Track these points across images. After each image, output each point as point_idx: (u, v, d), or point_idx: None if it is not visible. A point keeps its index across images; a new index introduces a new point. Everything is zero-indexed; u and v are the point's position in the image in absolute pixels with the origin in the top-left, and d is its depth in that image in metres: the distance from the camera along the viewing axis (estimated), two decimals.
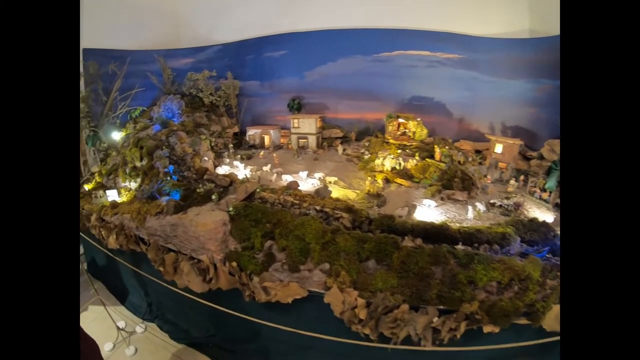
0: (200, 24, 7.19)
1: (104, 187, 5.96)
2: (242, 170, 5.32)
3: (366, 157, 6.00)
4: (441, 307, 3.22)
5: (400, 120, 6.31)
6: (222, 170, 5.31)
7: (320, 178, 5.14)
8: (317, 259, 3.65)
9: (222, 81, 6.91)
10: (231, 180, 4.63)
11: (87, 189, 6.13)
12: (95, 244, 5.33)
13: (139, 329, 5.27)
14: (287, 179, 5.04)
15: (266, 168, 5.31)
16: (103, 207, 5.19)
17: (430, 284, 3.28)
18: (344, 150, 6.18)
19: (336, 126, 6.66)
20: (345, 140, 6.61)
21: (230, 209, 4.03)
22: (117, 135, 6.57)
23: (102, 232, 5.03)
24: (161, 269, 4.20)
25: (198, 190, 4.30)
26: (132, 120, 6.60)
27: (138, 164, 5.63)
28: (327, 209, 4.30)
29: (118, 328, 5.11)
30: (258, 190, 4.51)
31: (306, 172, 5.17)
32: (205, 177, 4.74)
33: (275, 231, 3.89)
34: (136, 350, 4.94)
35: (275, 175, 5.04)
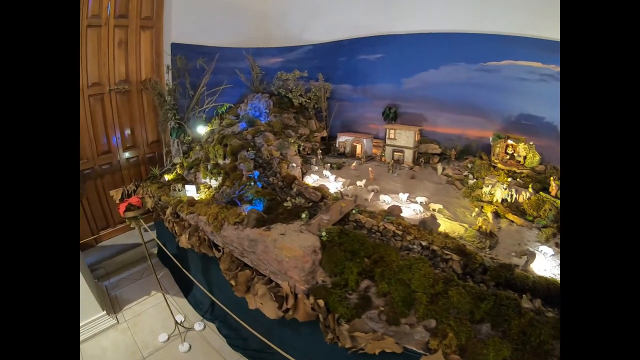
0: (290, 23, 6.37)
1: (184, 180, 5.30)
2: (332, 182, 4.31)
3: (470, 181, 4.70)
4: None
5: (510, 141, 4.94)
6: (311, 179, 4.34)
7: (422, 203, 3.96)
8: (423, 312, 2.55)
9: (312, 82, 6.01)
10: (322, 194, 3.63)
11: (167, 179, 5.53)
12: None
13: (197, 327, 4.51)
14: (385, 199, 3.93)
15: (360, 183, 4.25)
16: (179, 202, 4.48)
17: None
18: (443, 169, 4.93)
19: (434, 141, 5.42)
20: (443, 157, 5.35)
21: (323, 233, 3.00)
22: (201, 130, 5.92)
23: (176, 228, 4.32)
24: (232, 282, 3.31)
25: (285, 205, 3.34)
26: (218, 116, 5.92)
27: (220, 161, 4.86)
28: (434, 247, 3.12)
29: (176, 322, 4.39)
30: (354, 211, 3.45)
31: (406, 195, 4.03)
32: (293, 186, 3.80)
33: (376, 270, 2.78)
34: (190, 347, 4.22)
35: (372, 194, 3.97)
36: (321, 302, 2.71)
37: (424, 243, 3.15)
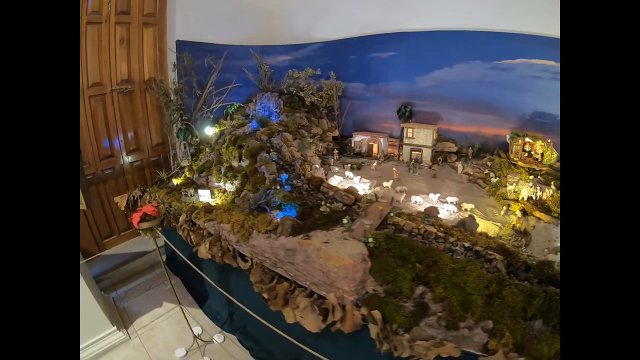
0: (297, 20, 6.05)
1: (195, 184, 4.93)
2: (357, 184, 4.05)
3: (493, 180, 4.52)
4: None
5: (527, 139, 4.80)
6: (335, 181, 4.06)
7: (453, 203, 3.75)
8: (480, 314, 2.42)
9: (322, 81, 5.71)
10: (355, 197, 3.35)
11: (175, 184, 5.14)
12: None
13: (217, 339, 4.18)
14: (416, 200, 3.69)
15: (387, 184, 3.99)
16: (194, 209, 4.12)
17: None
18: (462, 168, 4.74)
19: (450, 139, 5.22)
20: (460, 156, 5.16)
21: (370, 240, 2.75)
22: (209, 131, 5.55)
23: (192, 237, 3.96)
24: (265, 295, 3.00)
25: (322, 210, 3.05)
26: (228, 116, 5.57)
27: (235, 164, 4.52)
28: (478, 248, 2.94)
29: (194, 335, 4.04)
30: (392, 214, 3.20)
31: (437, 195, 3.80)
32: (321, 189, 3.51)
33: (430, 275, 2.57)
34: None
35: (403, 195, 3.72)
36: (377, 313, 2.46)
37: (466, 244, 2.96)
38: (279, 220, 3.01)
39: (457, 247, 2.96)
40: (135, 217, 3.39)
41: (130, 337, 4.30)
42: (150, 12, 5.31)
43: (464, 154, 5.21)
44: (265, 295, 2.97)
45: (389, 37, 5.39)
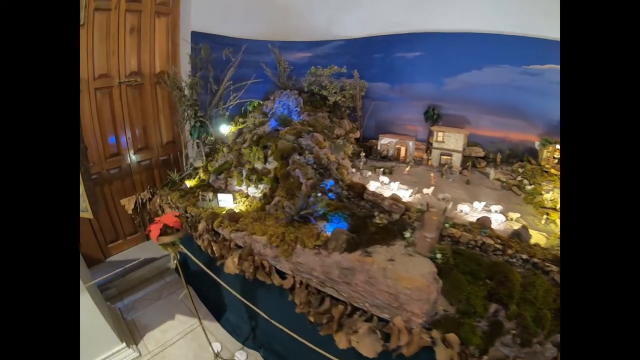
0: (316, 16, 5.62)
1: (212, 187, 4.44)
2: (395, 190, 3.65)
3: (528, 187, 4.23)
4: None
5: (558, 146, 4.55)
6: (371, 187, 3.65)
7: (500, 212, 3.41)
8: (549, 328, 2.23)
9: (344, 80, 5.29)
10: (406, 207, 2.96)
11: (188, 186, 4.63)
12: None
13: (239, 357, 3.73)
14: (463, 209, 3.34)
15: (428, 191, 3.62)
16: (215, 215, 3.65)
17: None
18: (494, 174, 4.42)
19: (477, 144, 4.91)
20: (487, 161, 4.85)
21: (438, 255, 2.38)
22: (225, 129, 5.05)
23: (214, 248, 3.49)
24: (312, 318, 2.58)
25: (378, 222, 2.64)
26: (247, 113, 5.08)
27: (259, 166, 4.06)
28: (536, 260, 2.64)
29: (215, 353, 3.59)
30: (447, 225, 2.83)
31: (482, 204, 3.46)
32: (365, 196, 3.10)
33: (502, 292, 2.27)
34: None
35: (450, 203, 3.36)
36: (453, 336, 2.10)
37: (524, 256, 2.67)
38: (329, 233, 2.59)
39: (514, 260, 2.68)
40: (154, 230, 2.83)
41: (141, 355, 3.80)
42: (164, 0, 4.77)
43: (491, 159, 4.91)
44: (312, 319, 2.55)
45: (416, 36, 5.03)
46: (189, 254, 3.33)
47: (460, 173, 4.51)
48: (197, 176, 4.81)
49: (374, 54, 5.33)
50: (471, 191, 4.05)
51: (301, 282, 2.60)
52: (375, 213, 2.75)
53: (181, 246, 2.91)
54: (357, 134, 5.33)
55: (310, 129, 4.00)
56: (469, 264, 2.42)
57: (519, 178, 4.40)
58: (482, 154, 4.92)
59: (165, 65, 5.02)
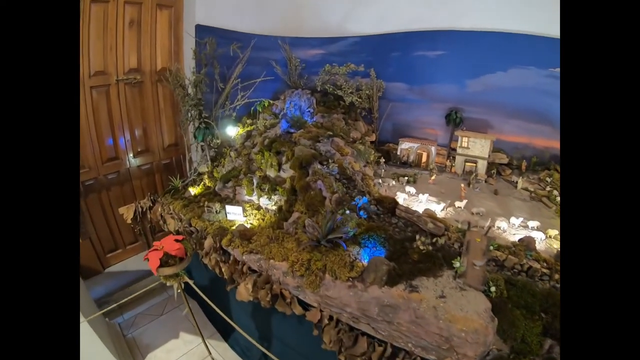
0: (330, 10, 5.17)
1: (218, 196, 4.02)
2: (424, 203, 3.27)
3: (558, 199, 3.89)
4: None
5: None
6: (400, 200, 3.27)
7: (536, 228, 3.06)
8: None
9: (359, 79, 4.88)
10: (445, 226, 2.59)
11: (192, 193, 4.22)
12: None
13: None
14: (501, 226, 2.98)
15: (460, 204, 3.26)
16: (223, 231, 3.24)
17: None
18: (522, 183, 4.07)
19: (500, 150, 4.55)
20: (511, 168, 4.50)
21: (493, 288, 2.02)
22: (232, 131, 4.63)
23: (223, 270, 3.08)
24: (343, 358, 2.21)
25: (422, 248, 2.26)
26: (257, 114, 4.65)
27: (272, 174, 3.65)
28: None
29: None
30: (491, 247, 2.47)
31: (519, 219, 3.10)
32: (398, 214, 2.72)
33: (557, 326, 1.96)
34: None
35: (489, 220, 2.99)
36: None
37: None
38: (364, 262, 2.20)
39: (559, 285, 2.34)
40: (153, 260, 2.35)
41: None
42: None
43: (515, 166, 4.56)
44: (342, 358, 2.18)
45: (438, 34, 4.61)
46: (195, 287, 2.91)
47: (486, 181, 4.15)
48: (202, 183, 4.39)
49: (392, 52, 4.90)
50: (501, 203, 3.69)
51: (331, 317, 2.22)
52: (417, 236, 2.36)
53: (186, 277, 2.49)
54: (373, 137, 4.93)
55: (330, 132, 3.58)
56: (523, 295, 2.10)
57: (548, 188, 4.06)
58: (505, 160, 4.55)
59: (167, 62, 4.56)
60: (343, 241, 2.36)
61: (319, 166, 3.10)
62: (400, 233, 2.60)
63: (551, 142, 4.48)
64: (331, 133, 3.56)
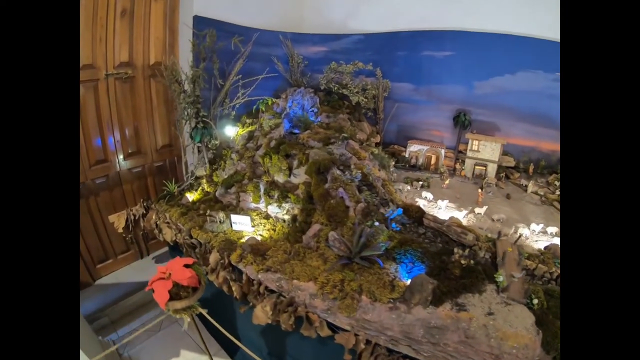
0: (332, 6, 5.01)
1: (219, 202, 3.79)
2: (444, 210, 3.19)
3: None
4: None
5: None
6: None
7: (555, 234, 3.05)
8: None
9: (363, 78, 4.76)
10: (476, 235, 2.51)
11: (190, 199, 3.96)
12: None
13: None
14: (524, 234, 2.94)
15: (480, 210, 3.20)
16: (231, 244, 3.02)
17: None
18: (532, 187, 4.09)
19: (507, 153, 4.56)
20: (518, 171, 4.52)
21: (535, 301, 1.95)
22: (231, 131, 4.39)
23: (233, 289, 2.83)
24: None
25: (464, 262, 2.16)
26: (260, 112, 4.41)
27: (281, 179, 3.46)
28: None
29: None
30: (523, 256, 2.42)
31: (540, 225, 3.08)
32: (425, 223, 2.61)
33: None
34: None
35: (513, 228, 2.94)
36: None
37: None
38: (405, 281, 2.08)
39: None
40: (161, 292, 2.05)
41: None
42: None
43: (521, 169, 4.58)
44: None
45: (446, 34, 4.54)
46: (211, 319, 2.68)
47: (496, 185, 4.14)
48: (200, 187, 4.13)
49: (398, 51, 4.79)
50: (516, 208, 3.67)
51: (368, 341, 2.08)
52: (455, 249, 2.26)
53: (199, 308, 2.26)
54: (377, 139, 4.82)
55: (345, 135, 3.43)
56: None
57: (558, 192, 4.10)
58: (512, 163, 4.57)
59: (161, 56, 4.25)
60: (379, 258, 2.22)
61: (338, 172, 2.94)
62: (431, 245, 2.49)
63: (557, 145, 4.50)
64: (346, 135, 3.40)
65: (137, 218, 4.04)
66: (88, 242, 4.04)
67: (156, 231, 3.93)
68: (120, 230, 3.99)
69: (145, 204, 4.11)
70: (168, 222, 3.78)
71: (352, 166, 2.93)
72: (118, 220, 3.98)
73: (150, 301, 4.27)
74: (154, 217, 3.98)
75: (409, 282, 2.04)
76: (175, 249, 4.12)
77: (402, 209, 2.55)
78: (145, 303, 4.21)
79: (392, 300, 2.02)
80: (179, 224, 3.61)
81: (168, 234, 3.77)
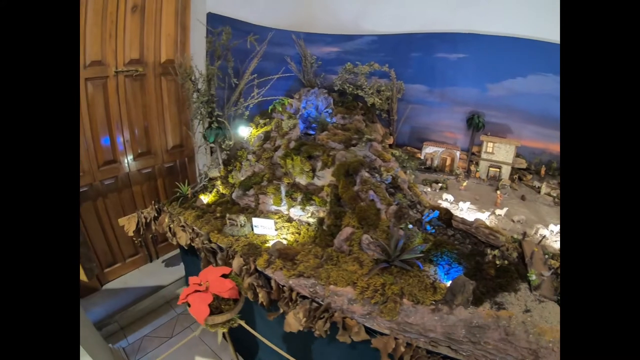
0: (344, 6, 5.09)
1: (236, 205, 3.81)
2: (466, 212, 3.31)
3: None
4: None
5: None
6: None
7: None
8: None
9: (376, 79, 4.85)
10: (504, 237, 2.62)
11: (204, 202, 3.97)
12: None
13: None
14: (545, 234, 3.08)
15: (500, 212, 3.32)
16: (254, 249, 3.04)
17: None
18: (545, 189, 4.26)
19: (519, 155, 4.72)
20: (530, 173, 4.69)
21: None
22: (245, 131, 4.41)
23: (261, 296, 2.82)
24: None
25: (498, 263, 2.27)
26: (278, 112, 4.44)
27: (303, 181, 3.51)
28: None
29: None
30: (546, 256, 2.55)
31: (557, 226, 3.23)
32: (454, 225, 2.71)
33: None
34: None
35: (534, 228, 3.07)
36: None
37: None
38: (445, 283, 2.16)
39: None
40: (199, 306, 2.03)
41: None
42: None
43: (533, 171, 4.76)
44: None
45: (459, 36, 4.66)
46: (248, 328, 2.68)
47: (510, 187, 4.29)
48: (215, 189, 4.13)
49: (412, 53, 4.89)
50: (532, 209, 3.81)
51: (408, 344, 2.15)
52: (488, 250, 2.36)
53: (239, 320, 2.28)
54: (391, 140, 4.91)
55: (369, 136, 3.50)
56: None
57: None
58: (524, 165, 4.74)
59: (172, 53, 4.22)
60: (419, 261, 2.30)
61: (367, 174, 3.01)
62: (462, 246, 2.59)
63: None
64: (370, 137, 3.48)
65: (148, 221, 4.01)
66: (96, 246, 3.97)
67: (169, 235, 3.90)
68: (131, 234, 3.95)
69: (157, 206, 4.08)
70: (183, 226, 3.76)
71: (382, 168, 3.01)
72: (128, 223, 3.93)
73: (161, 306, 4.27)
74: (166, 220, 3.95)
75: (448, 283, 2.13)
76: (187, 253, 4.11)
77: (437, 212, 2.64)
78: (155, 308, 4.18)
79: (434, 302, 2.10)
80: (195, 228, 3.61)
81: (183, 238, 3.75)
